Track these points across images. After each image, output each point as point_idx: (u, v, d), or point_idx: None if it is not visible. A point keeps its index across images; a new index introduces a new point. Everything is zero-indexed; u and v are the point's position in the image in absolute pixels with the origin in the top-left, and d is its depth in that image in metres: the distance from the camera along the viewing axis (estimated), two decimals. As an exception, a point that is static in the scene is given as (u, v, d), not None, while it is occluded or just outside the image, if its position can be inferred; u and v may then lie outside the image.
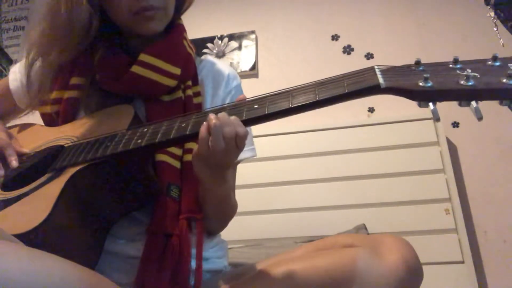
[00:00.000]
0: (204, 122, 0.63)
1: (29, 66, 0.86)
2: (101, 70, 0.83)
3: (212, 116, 0.63)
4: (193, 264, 0.73)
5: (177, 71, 0.83)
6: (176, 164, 0.78)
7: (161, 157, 0.76)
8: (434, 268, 1.50)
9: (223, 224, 0.86)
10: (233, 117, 0.63)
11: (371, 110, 1.92)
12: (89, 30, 0.78)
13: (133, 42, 0.86)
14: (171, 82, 0.82)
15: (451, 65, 0.53)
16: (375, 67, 0.57)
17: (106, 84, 0.83)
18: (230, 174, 0.76)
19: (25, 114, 0.95)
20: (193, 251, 0.74)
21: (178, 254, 0.71)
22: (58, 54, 0.81)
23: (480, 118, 0.48)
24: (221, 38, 2.20)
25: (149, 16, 0.78)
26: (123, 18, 0.79)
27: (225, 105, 0.68)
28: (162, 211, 0.73)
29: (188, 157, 0.79)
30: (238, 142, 0.63)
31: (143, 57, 0.80)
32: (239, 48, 2.17)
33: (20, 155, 0.81)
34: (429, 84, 0.51)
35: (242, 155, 0.88)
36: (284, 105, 0.60)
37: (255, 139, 0.94)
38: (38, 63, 0.85)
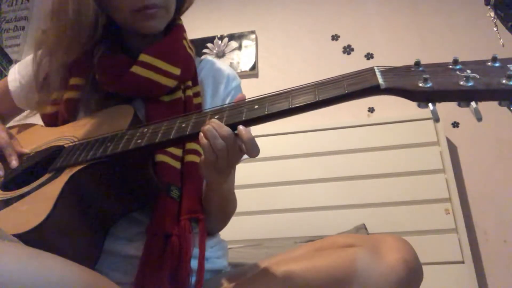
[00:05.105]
0: (201, 132, 0.63)
1: (37, 65, 0.86)
2: (101, 71, 0.83)
3: (205, 128, 0.62)
4: (194, 264, 0.73)
5: (177, 71, 0.83)
6: (177, 164, 0.77)
7: (161, 157, 0.76)
8: (434, 268, 1.50)
9: (224, 222, 0.86)
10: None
11: (371, 110, 1.92)
12: (96, 28, 0.79)
13: (133, 42, 0.86)
14: (171, 82, 0.82)
15: (450, 66, 0.53)
16: (375, 67, 0.57)
17: (106, 85, 0.83)
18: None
19: (34, 114, 0.95)
20: (195, 251, 0.73)
21: (178, 254, 0.71)
22: (65, 53, 0.81)
23: (479, 119, 0.48)
24: (221, 38, 2.20)
25: (151, 14, 0.78)
26: (125, 16, 0.79)
27: (225, 106, 0.67)
28: (161, 211, 0.73)
29: (189, 158, 0.79)
30: (240, 144, 0.63)
31: (143, 57, 0.80)
32: (239, 48, 2.17)
33: (20, 155, 0.81)
34: (428, 85, 0.51)
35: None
36: (284, 105, 0.60)
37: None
38: (45, 62, 0.85)
